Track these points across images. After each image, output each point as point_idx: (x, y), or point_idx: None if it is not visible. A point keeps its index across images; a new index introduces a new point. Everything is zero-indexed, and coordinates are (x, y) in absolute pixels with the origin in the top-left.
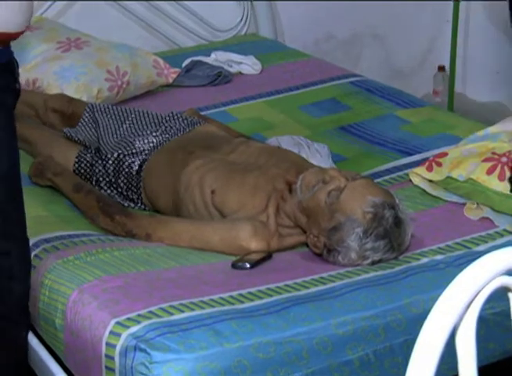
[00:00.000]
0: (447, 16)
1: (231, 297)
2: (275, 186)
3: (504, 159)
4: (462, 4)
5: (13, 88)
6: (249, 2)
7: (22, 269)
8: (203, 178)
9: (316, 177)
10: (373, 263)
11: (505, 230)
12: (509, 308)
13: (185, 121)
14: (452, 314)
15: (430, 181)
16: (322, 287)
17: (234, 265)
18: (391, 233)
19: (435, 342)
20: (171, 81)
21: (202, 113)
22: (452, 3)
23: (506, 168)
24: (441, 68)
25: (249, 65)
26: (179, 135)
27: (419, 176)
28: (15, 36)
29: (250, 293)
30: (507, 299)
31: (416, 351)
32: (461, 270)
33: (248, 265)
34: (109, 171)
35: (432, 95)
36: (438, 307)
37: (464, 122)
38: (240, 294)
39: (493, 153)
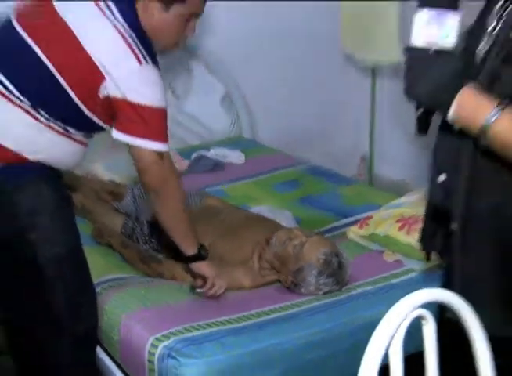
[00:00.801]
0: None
1: (231, 319)
2: (258, 241)
3: (410, 220)
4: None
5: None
6: (235, 114)
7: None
8: (204, 236)
9: (285, 235)
10: (325, 293)
11: (411, 269)
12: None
13: (197, 197)
14: (389, 332)
15: (361, 236)
16: (290, 311)
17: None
18: (336, 273)
19: (378, 351)
20: (184, 168)
21: (206, 190)
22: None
23: (410, 226)
24: (363, 157)
25: (236, 157)
26: (191, 207)
27: (353, 233)
28: None
29: (244, 316)
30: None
31: (366, 357)
32: (384, 297)
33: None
34: (146, 232)
35: (358, 175)
36: (380, 327)
37: (382, 195)
38: (238, 317)
39: (402, 217)
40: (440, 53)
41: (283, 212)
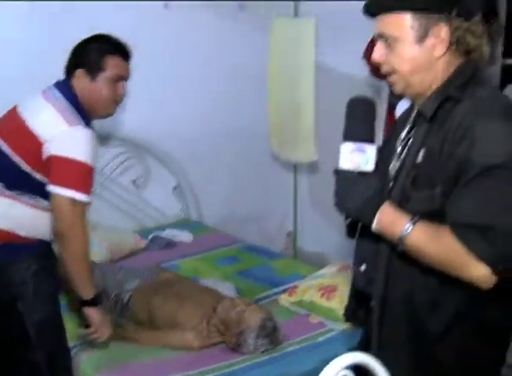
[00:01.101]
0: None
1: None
2: (207, 309)
3: (329, 289)
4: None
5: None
6: (185, 200)
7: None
8: (165, 305)
9: (229, 303)
10: (262, 352)
11: (331, 329)
12: None
13: (154, 271)
14: None
15: (291, 302)
16: (232, 368)
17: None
18: (271, 334)
19: None
20: (143, 246)
21: (161, 265)
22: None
23: (329, 293)
24: (289, 234)
25: (186, 237)
26: (150, 279)
27: (284, 300)
28: None
29: (200, 372)
30: None
31: None
32: (312, 353)
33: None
34: (111, 302)
35: (285, 249)
36: None
37: (306, 267)
38: (196, 373)
39: (323, 286)
40: (363, 175)
41: (226, 284)
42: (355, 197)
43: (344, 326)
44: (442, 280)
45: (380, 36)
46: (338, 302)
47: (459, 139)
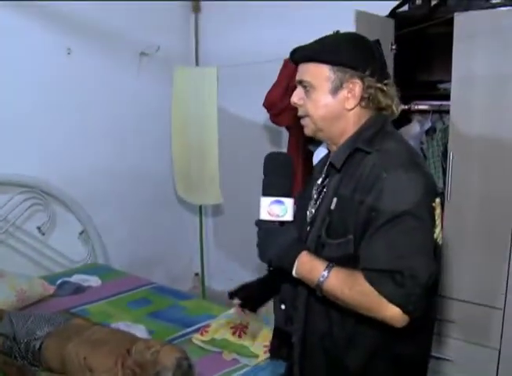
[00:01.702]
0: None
1: None
2: (120, 351)
3: (240, 326)
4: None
5: None
6: (91, 245)
7: None
8: (78, 350)
9: (143, 345)
10: None
11: (245, 364)
12: None
13: (64, 317)
14: None
15: (203, 341)
16: None
17: None
18: (187, 372)
19: None
20: (51, 292)
21: (71, 311)
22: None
23: (241, 331)
24: (196, 274)
25: (94, 281)
26: (61, 325)
27: (196, 339)
28: None
29: None
30: None
31: None
32: None
33: None
34: (22, 350)
35: (193, 289)
36: None
37: (216, 307)
38: None
39: (234, 324)
40: (283, 224)
41: (138, 326)
42: (275, 247)
43: (257, 360)
44: (358, 319)
45: (300, 82)
46: (250, 339)
47: (369, 188)
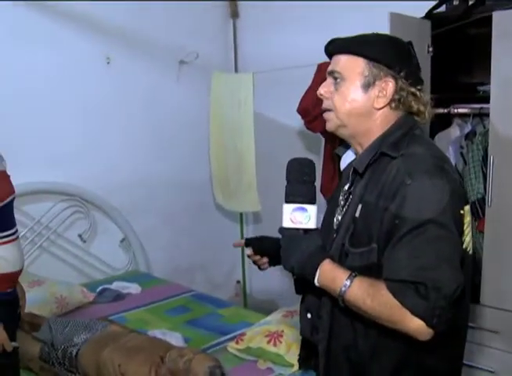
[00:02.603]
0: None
1: None
2: (154, 359)
3: (275, 335)
4: None
5: (16, 317)
6: (132, 253)
7: None
8: (113, 357)
9: (176, 353)
10: None
11: (280, 374)
12: None
13: (102, 324)
14: None
15: (238, 349)
16: None
17: None
18: None
19: None
20: (91, 299)
21: (110, 318)
22: None
23: (276, 339)
24: (238, 282)
25: (134, 288)
26: (98, 332)
27: (231, 347)
28: (17, 274)
29: None
30: None
31: None
32: None
33: None
34: (60, 356)
35: (235, 297)
36: None
37: (254, 314)
38: None
39: (269, 332)
40: (306, 232)
41: (174, 334)
42: (298, 255)
43: (292, 370)
44: (381, 331)
45: (331, 73)
46: (285, 347)
47: (392, 195)
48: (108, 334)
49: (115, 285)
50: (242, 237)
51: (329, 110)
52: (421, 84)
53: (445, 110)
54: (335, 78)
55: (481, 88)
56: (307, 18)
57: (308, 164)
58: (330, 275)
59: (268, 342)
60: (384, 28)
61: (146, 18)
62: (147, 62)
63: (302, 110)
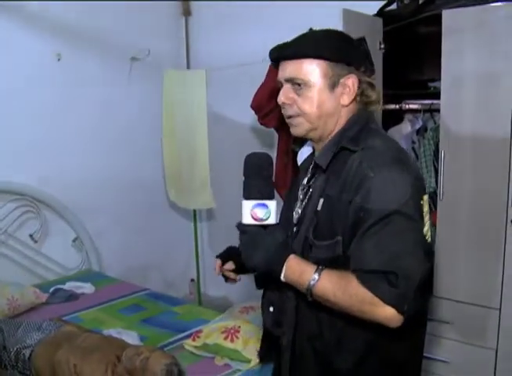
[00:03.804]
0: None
1: None
2: (110, 358)
3: (231, 331)
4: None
5: None
6: (85, 252)
7: None
8: (68, 358)
9: (133, 351)
10: None
11: (237, 369)
12: None
13: (55, 325)
14: None
15: (195, 346)
16: None
17: None
18: None
19: None
20: (44, 300)
21: (63, 318)
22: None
23: (233, 335)
24: (192, 280)
25: (87, 288)
26: (52, 333)
27: (188, 345)
28: None
29: None
30: None
31: None
32: None
33: None
34: (12, 358)
35: (189, 295)
36: None
37: (209, 311)
38: None
39: (226, 328)
40: (267, 227)
41: (129, 332)
42: (262, 252)
43: (249, 365)
44: (347, 321)
45: (290, 80)
46: (242, 343)
47: (356, 188)
48: (62, 335)
49: (68, 285)
50: (195, 235)
51: (296, 116)
52: (373, 74)
53: (397, 106)
54: (297, 84)
55: (431, 84)
56: (260, 15)
57: (266, 159)
58: (297, 270)
59: (225, 338)
60: (336, 25)
61: (98, 14)
62: (98, 59)
63: (256, 106)
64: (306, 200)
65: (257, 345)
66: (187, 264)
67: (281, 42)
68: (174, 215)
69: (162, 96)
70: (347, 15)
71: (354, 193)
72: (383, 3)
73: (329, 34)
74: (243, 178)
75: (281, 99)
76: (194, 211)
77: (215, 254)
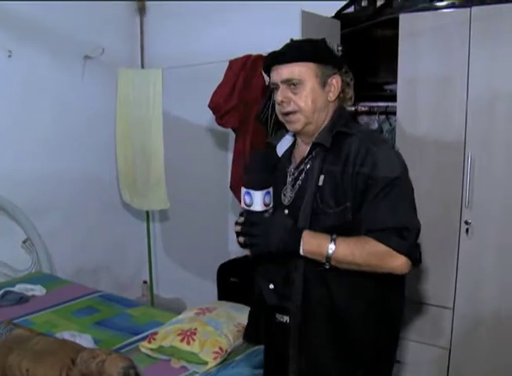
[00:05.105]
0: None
1: None
2: (64, 362)
3: (188, 333)
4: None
5: None
6: (35, 253)
7: None
8: (21, 362)
9: (88, 354)
10: None
11: (194, 371)
12: None
13: (6, 328)
14: None
15: (151, 349)
16: None
17: None
18: None
19: None
20: None
21: (14, 321)
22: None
23: (189, 337)
24: (145, 282)
25: (38, 290)
26: (3, 337)
27: (143, 347)
28: None
29: None
30: None
31: None
32: None
33: None
34: None
35: (142, 297)
36: None
37: (164, 313)
38: None
39: (182, 330)
40: (256, 213)
41: (83, 335)
42: (280, 233)
43: (206, 367)
44: (355, 280)
45: (287, 81)
46: (198, 345)
47: (362, 161)
48: (13, 338)
49: (18, 287)
50: (148, 236)
51: (294, 112)
52: (350, 74)
53: (353, 108)
54: (293, 84)
55: (388, 87)
56: (217, 15)
57: (267, 156)
58: (314, 242)
59: (181, 341)
60: (294, 26)
61: (50, 10)
62: (51, 56)
63: (213, 106)
64: (300, 182)
65: (214, 348)
66: (140, 265)
67: (236, 41)
68: (126, 215)
69: (116, 95)
70: (306, 17)
71: (360, 166)
72: (341, 4)
73: (314, 42)
74: (251, 172)
75: (279, 98)
76: (147, 211)
77: (168, 255)
